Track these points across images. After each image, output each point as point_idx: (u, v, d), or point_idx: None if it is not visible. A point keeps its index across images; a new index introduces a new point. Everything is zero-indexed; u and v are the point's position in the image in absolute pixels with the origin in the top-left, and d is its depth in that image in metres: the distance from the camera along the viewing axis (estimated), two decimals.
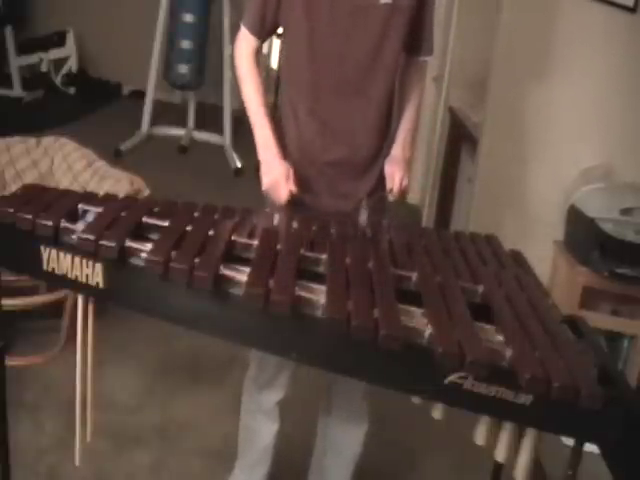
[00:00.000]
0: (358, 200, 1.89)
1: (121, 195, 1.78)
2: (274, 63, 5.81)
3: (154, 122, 5.48)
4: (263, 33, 1.86)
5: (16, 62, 5.98)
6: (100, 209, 1.54)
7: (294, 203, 1.83)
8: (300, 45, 1.80)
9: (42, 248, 1.45)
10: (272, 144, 1.83)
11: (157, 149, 5.29)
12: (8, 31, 5.87)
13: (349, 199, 1.89)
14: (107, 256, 1.40)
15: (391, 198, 1.91)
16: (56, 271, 1.46)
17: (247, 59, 1.87)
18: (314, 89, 1.81)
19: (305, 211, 1.82)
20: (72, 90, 6.28)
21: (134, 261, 1.41)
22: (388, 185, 1.90)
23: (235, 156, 5.16)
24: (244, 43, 1.87)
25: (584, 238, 2.60)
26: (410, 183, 1.99)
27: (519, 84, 2.89)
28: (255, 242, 1.49)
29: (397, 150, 1.94)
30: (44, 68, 6.16)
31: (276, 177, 1.80)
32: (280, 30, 1.89)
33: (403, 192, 1.92)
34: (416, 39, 1.89)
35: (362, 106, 1.83)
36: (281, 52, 1.87)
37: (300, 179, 1.84)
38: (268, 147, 1.84)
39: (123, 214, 1.52)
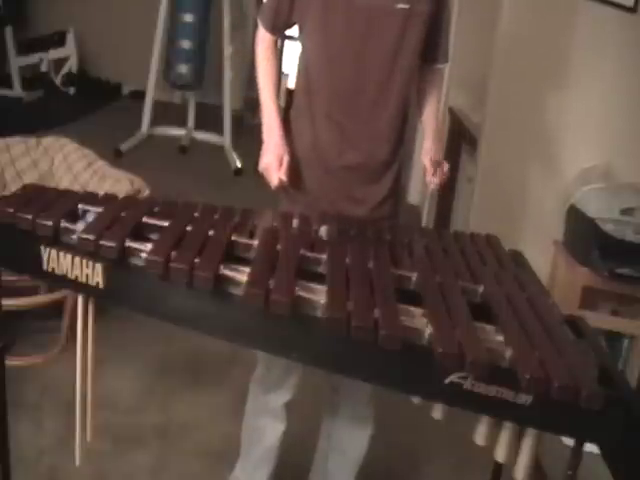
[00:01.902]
0: (374, 206, 1.90)
1: (121, 195, 1.78)
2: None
3: (154, 122, 5.48)
4: (276, 30, 1.91)
5: (16, 62, 5.98)
6: (100, 209, 1.54)
7: (310, 204, 1.85)
8: (317, 49, 1.82)
9: (42, 248, 1.45)
10: (275, 130, 1.87)
11: (157, 149, 5.29)
12: (8, 31, 5.87)
13: (365, 204, 1.90)
14: (107, 256, 1.40)
15: (433, 187, 1.93)
16: (56, 271, 1.46)
17: (262, 49, 1.93)
18: (331, 93, 1.83)
19: (320, 213, 1.83)
20: (72, 90, 6.28)
21: (134, 261, 1.41)
22: (428, 176, 1.90)
23: (235, 156, 5.16)
24: (260, 35, 1.93)
25: (584, 238, 2.60)
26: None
27: (519, 84, 2.89)
28: (255, 242, 1.50)
29: (428, 143, 1.96)
30: (44, 68, 6.16)
31: (269, 162, 1.83)
32: (296, 31, 1.92)
33: (444, 178, 1.92)
34: (432, 47, 1.89)
35: (379, 111, 1.83)
36: (301, 53, 1.89)
37: (313, 182, 1.87)
38: (271, 132, 1.87)
39: (123, 214, 1.52)
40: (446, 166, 1.91)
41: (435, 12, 1.81)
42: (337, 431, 2.08)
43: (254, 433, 2.09)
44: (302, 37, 1.87)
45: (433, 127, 1.98)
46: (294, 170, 1.86)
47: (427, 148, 1.95)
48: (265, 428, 2.07)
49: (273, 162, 1.82)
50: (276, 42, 1.94)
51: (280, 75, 1.98)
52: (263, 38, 1.92)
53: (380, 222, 1.85)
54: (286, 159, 1.83)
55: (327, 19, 1.77)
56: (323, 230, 1.69)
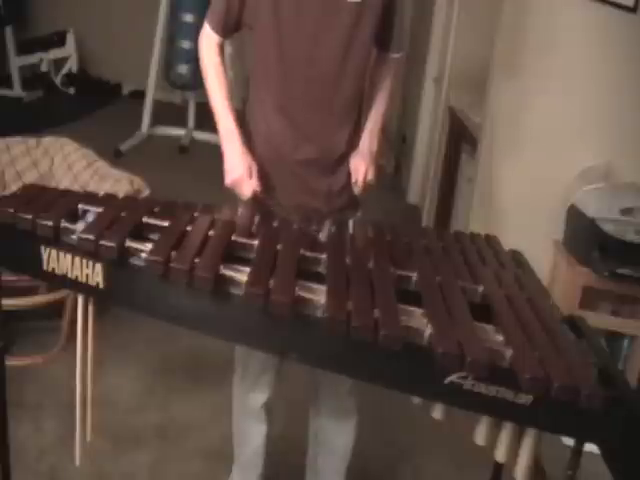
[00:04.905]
0: (331, 197, 1.89)
1: (121, 195, 1.78)
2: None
3: (154, 122, 5.48)
4: (225, 31, 1.85)
5: (16, 62, 5.99)
6: (100, 209, 1.54)
7: (265, 200, 1.84)
8: (268, 46, 1.78)
9: (42, 248, 1.45)
10: (235, 137, 1.83)
11: (157, 149, 5.29)
12: (8, 31, 5.88)
13: (322, 196, 1.89)
14: (107, 256, 1.40)
15: (356, 191, 1.91)
16: (56, 271, 1.46)
17: (209, 53, 1.87)
18: (283, 89, 1.81)
19: (276, 208, 1.83)
20: (72, 90, 6.29)
21: (134, 261, 1.41)
22: (353, 178, 1.89)
23: None
24: (207, 39, 1.87)
25: (584, 238, 2.60)
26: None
27: (519, 84, 2.89)
28: (255, 242, 1.50)
29: (364, 143, 1.93)
30: (44, 68, 6.16)
31: (239, 175, 1.80)
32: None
33: (367, 185, 1.90)
34: (386, 36, 1.88)
35: (332, 105, 1.82)
36: (250, 49, 1.86)
37: (270, 176, 1.85)
38: (231, 140, 1.83)
39: (123, 214, 1.52)
40: (370, 174, 1.89)
41: (387, 4, 1.79)
42: (322, 428, 2.08)
43: (241, 436, 2.11)
44: (252, 34, 1.82)
45: (374, 123, 1.95)
46: (260, 171, 1.83)
47: (360, 150, 1.91)
48: (249, 430, 2.08)
49: (243, 175, 1.79)
50: (222, 44, 1.88)
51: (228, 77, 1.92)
52: (210, 40, 1.86)
53: (339, 213, 1.85)
54: (254, 168, 1.81)
55: (278, 18, 1.74)
56: (325, 228, 1.69)
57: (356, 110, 1.88)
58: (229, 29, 1.85)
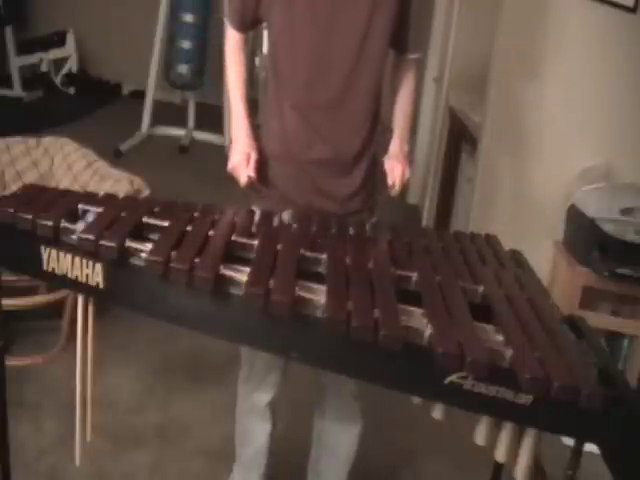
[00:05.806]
0: (344, 199, 1.88)
1: (121, 195, 1.78)
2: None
3: (154, 122, 5.48)
4: (243, 27, 1.89)
5: (16, 62, 5.99)
6: (100, 209, 1.54)
7: (279, 199, 1.85)
8: (282, 42, 1.79)
9: (42, 248, 1.46)
10: (243, 127, 1.87)
11: (157, 149, 5.29)
12: (8, 31, 5.88)
13: (335, 198, 1.87)
14: (107, 256, 1.40)
15: (393, 194, 1.88)
16: (56, 271, 1.46)
17: (230, 48, 1.93)
18: (298, 87, 1.80)
19: (290, 208, 1.82)
20: (72, 90, 6.29)
21: (134, 261, 1.41)
22: (389, 181, 1.87)
23: None
24: (229, 34, 1.92)
25: (584, 238, 2.60)
26: (410, 180, 1.97)
27: (519, 84, 2.89)
28: (255, 242, 1.50)
29: (395, 146, 1.92)
30: (44, 68, 6.16)
31: (236, 161, 1.83)
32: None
33: (404, 186, 1.89)
34: (402, 37, 1.86)
35: (346, 103, 1.80)
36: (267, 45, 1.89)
37: (281, 174, 1.87)
38: (239, 129, 1.88)
39: (123, 214, 1.52)
40: (407, 174, 1.87)
41: (401, 1, 1.78)
42: (326, 431, 2.08)
43: (244, 435, 2.11)
44: (268, 30, 1.84)
45: (401, 126, 1.95)
46: (263, 167, 1.85)
47: (393, 153, 1.90)
48: (253, 429, 2.08)
49: (241, 161, 1.82)
50: (244, 40, 1.92)
51: (248, 73, 1.96)
52: (232, 37, 1.91)
53: (353, 216, 1.84)
54: (254, 157, 1.83)
55: (291, 13, 1.74)
56: (286, 215, 1.69)
57: (372, 111, 1.85)
58: (246, 25, 1.88)
